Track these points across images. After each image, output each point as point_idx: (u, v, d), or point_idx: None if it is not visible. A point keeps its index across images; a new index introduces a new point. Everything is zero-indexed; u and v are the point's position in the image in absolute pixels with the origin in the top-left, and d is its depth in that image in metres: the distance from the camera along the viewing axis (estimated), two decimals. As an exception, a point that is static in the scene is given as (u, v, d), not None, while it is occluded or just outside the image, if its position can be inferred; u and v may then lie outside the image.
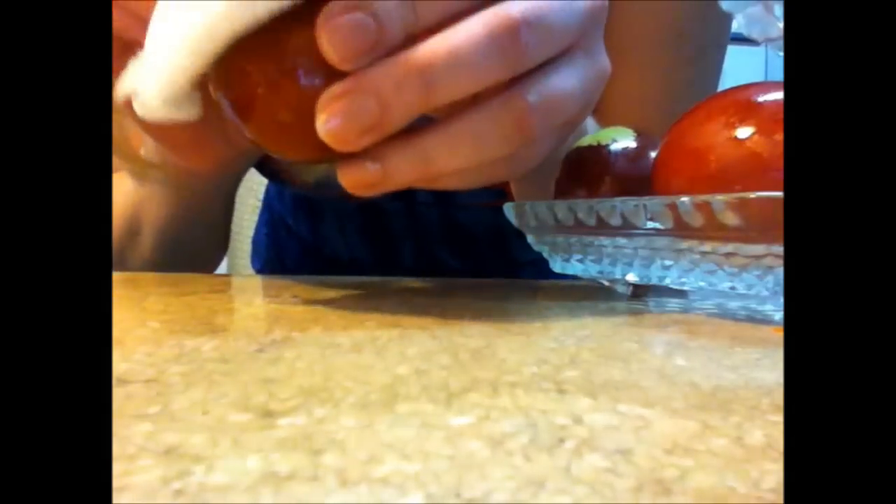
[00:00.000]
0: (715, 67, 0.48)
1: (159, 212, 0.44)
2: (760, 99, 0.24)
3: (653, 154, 0.29)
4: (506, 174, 0.25)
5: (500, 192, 0.49)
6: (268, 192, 0.62)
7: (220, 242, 0.50)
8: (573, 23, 0.23)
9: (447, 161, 0.22)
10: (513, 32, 0.21)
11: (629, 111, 0.45)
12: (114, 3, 0.24)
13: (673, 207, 0.24)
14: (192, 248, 0.47)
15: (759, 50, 2.01)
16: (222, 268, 0.66)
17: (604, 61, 0.26)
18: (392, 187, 0.22)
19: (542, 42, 0.22)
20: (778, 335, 0.22)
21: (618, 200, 0.26)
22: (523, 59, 0.22)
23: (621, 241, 0.28)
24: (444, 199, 0.50)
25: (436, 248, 0.51)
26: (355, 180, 0.22)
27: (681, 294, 0.32)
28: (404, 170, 0.22)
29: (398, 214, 0.50)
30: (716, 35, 0.46)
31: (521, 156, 0.24)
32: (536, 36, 0.22)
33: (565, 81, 0.23)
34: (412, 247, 0.51)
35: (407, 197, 0.49)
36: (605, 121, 0.46)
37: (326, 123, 0.20)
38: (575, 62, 0.24)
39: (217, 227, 0.48)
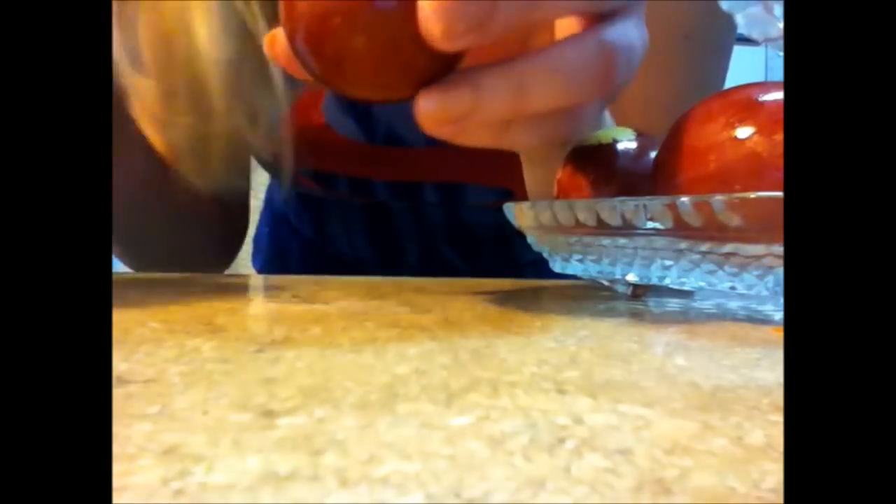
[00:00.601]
0: (721, 70, 0.48)
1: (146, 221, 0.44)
2: (760, 99, 0.24)
3: (653, 154, 0.29)
4: (567, 131, 0.24)
5: (505, 192, 0.49)
6: (269, 190, 0.62)
7: (216, 247, 0.50)
8: None
9: (540, 94, 0.21)
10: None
11: (634, 113, 0.45)
12: None
13: (673, 207, 0.24)
14: (187, 254, 0.47)
15: (759, 50, 2.01)
16: (222, 267, 0.66)
17: (646, 32, 0.26)
18: (475, 121, 0.21)
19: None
20: (778, 335, 0.22)
21: (618, 200, 0.26)
22: None
23: (621, 241, 0.27)
24: (450, 199, 0.50)
25: (440, 248, 0.51)
26: (442, 110, 0.20)
27: (681, 294, 0.32)
28: (498, 98, 0.20)
29: (404, 214, 0.50)
30: (723, 37, 0.46)
31: (586, 112, 0.24)
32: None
33: (631, 34, 0.23)
34: (417, 246, 0.51)
35: (413, 197, 0.49)
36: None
37: (433, 9, 0.19)
38: (630, 23, 0.24)
39: (210, 230, 0.49)
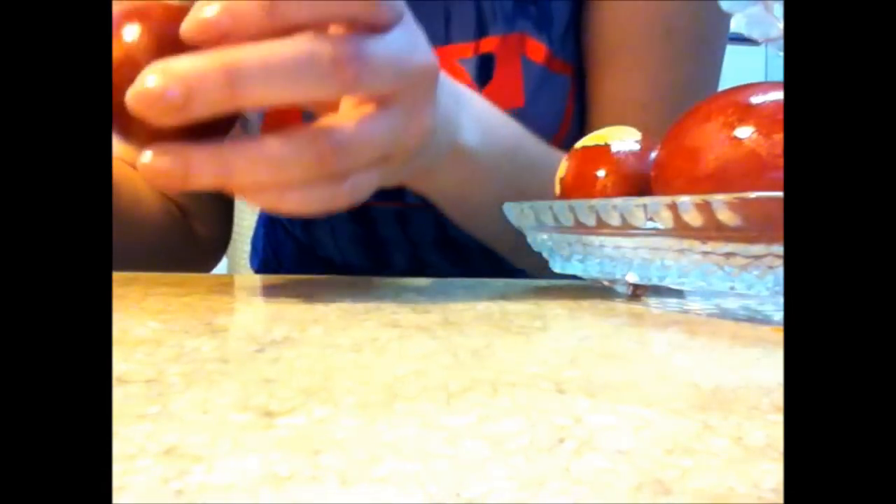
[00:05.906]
0: (710, 67, 0.46)
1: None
2: (760, 99, 0.24)
3: (653, 154, 0.29)
4: (311, 206, 0.26)
5: None
6: None
7: (197, 239, 0.50)
8: (401, 75, 0.25)
9: (245, 177, 0.23)
10: (338, 61, 0.23)
11: (615, 113, 0.44)
12: None
13: (673, 207, 0.24)
14: (175, 249, 0.48)
15: (759, 50, 2.01)
16: (222, 268, 0.66)
17: (425, 120, 0.28)
18: (191, 188, 0.23)
19: (364, 80, 0.24)
20: (778, 335, 0.22)
21: (618, 200, 0.26)
22: (341, 88, 0.24)
23: (621, 241, 0.27)
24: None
25: (428, 254, 0.51)
26: (154, 169, 0.23)
27: (681, 294, 0.32)
28: (205, 174, 0.23)
29: (389, 221, 0.49)
30: (709, 33, 0.45)
31: (327, 191, 0.25)
32: (361, 72, 0.23)
33: (374, 128, 0.25)
34: (404, 253, 0.51)
35: (397, 197, 0.49)
36: (592, 124, 0.46)
37: (135, 95, 0.22)
38: (390, 113, 0.25)
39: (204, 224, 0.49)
